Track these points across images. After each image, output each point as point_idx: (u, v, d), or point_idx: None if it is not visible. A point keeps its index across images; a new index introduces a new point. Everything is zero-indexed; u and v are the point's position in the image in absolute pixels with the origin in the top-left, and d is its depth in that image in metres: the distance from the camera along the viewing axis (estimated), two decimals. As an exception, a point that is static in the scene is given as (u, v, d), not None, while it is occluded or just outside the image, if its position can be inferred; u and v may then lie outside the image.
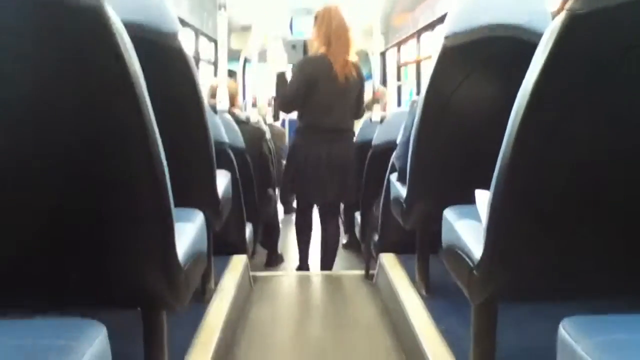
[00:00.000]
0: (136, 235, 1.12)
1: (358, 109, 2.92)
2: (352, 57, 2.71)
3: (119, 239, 1.12)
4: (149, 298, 1.24)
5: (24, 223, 1.05)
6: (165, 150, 1.09)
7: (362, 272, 3.09)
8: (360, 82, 2.82)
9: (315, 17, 2.79)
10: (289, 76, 2.88)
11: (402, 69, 6.81)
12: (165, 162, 1.07)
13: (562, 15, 0.91)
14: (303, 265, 3.19)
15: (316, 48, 2.74)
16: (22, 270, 1.11)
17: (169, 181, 1.09)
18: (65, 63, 0.93)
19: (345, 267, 3.42)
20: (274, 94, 4.44)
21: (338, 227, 3.07)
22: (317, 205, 3.06)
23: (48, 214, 1.06)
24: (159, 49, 1.47)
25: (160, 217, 1.11)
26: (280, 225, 4.06)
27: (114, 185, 1.06)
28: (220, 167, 2.17)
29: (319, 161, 2.79)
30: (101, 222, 1.09)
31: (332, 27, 2.64)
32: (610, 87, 0.94)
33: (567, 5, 0.90)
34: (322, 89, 2.68)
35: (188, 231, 1.37)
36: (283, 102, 2.88)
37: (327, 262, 3.11)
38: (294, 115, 3.02)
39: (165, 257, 1.16)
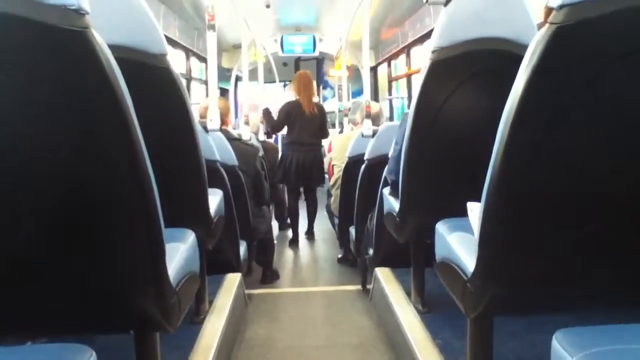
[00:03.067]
0: (126, 257, 1.11)
1: (322, 131, 4.65)
2: (314, 100, 4.66)
3: (109, 261, 1.11)
4: (140, 320, 1.22)
5: (10, 248, 1.04)
6: (156, 170, 1.08)
7: (359, 286, 3.08)
8: (320, 114, 4.59)
9: (295, 77, 4.69)
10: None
11: (394, 83, 6.86)
12: (154, 183, 1.07)
13: (546, 28, 0.91)
14: (295, 238, 4.77)
15: (294, 95, 4.59)
16: (12, 296, 1.10)
17: (158, 202, 1.09)
18: (51, 86, 0.93)
19: (341, 282, 3.41)
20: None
21: (315, 200, 4.84)
22: (301, 187, 4.80)
23: (36, 237, 1.05)
24: (147, 70, 1.47)
25: (151, 238, 1.10)
26: (275, 241, 4.04)
27: (103, 207, 1.05)
28: (212, 185, 2.17)
29: (299, 162, 4.51)
30: (90, 245, 1.08)
31: (301, 84, 4.52)
32: (596, 97, 0.95)
33: (551, 18, 0.91)
34: (297, 120, 4.49)
35: (179, 251, 1.36)
36: (272, 127, 4.74)
37: (311, 221, 4.91)
38: (283, 132, 4.78)
39: (157, 278, 1.15)
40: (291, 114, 4.47)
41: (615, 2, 0.87)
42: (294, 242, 4.73)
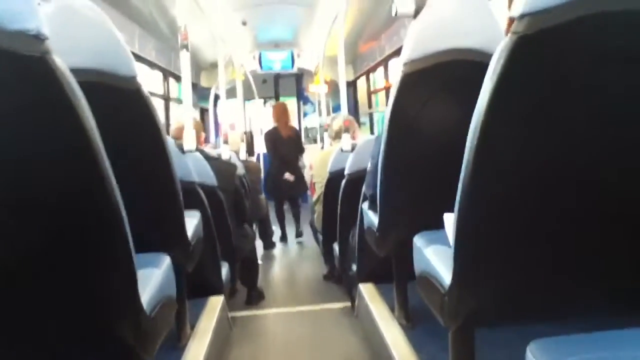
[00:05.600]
0: (96, 285, 1.09)
1: (298, 149, 5.79)
2: (289, 123, 5.90)
3: (78, 290, 1.08)
4: (115, 349, 1.19)
5: None
6: (129, 195, 1.06)
7: (344, 304, 3.06)
8: (295, 136, 5.89)
9: (272, 107, 6.11)
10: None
11: (373, 96, 6.89)
12: (123, 209, 1.04)
13: (508, 38, 0.91)
14: (284, 236, 5.79)
15: (273, 122, 5.76)
16: None
17: (128, 228, 1.06)
18: (12, 113, 0.90)
19: (327, 299, 3.37)
20: (246, 129, 4.95)
21: (299, 207, 5.80)
22: (286, 199, 5.75)
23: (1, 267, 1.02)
24: (117, 92, 1.45)
25: (121, 265, 1.07)
26: (260, 261, 4.00)
27: (69, 235, 1.02)
28: (190, 207, 2.14)
29: (282, 177, 5.52)
30: (57, 274, 1.05)
31: (279, 114, 5.73)
32: (560, 105, 0.95)
33: (512, 28, 0.91)
34: (277, 143, 5.60)
35: (153, 277, 1.33)
36: (270, 155, 5.79)
37: (298, 225, 5.77)
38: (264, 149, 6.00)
39: (129, 306, 1.12)
40: (273, 139, 5.64)
41: (577, 10, 0.87)
42: (284, 239, 5.76)
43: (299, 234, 5.74)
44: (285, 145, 5.61)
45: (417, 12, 1.62)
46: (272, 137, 5.67)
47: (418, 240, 1.48)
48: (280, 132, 5.64)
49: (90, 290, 1.09)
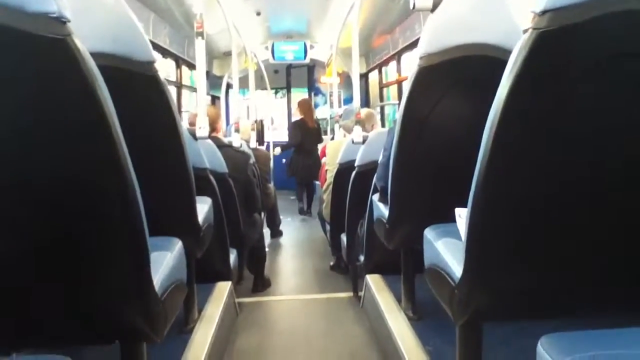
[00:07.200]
0: (110, 266, 1.10)
1: (318, 139, 6.70)
2: (314, 117, 6.87)
3: (92, 271, 1.10)
4: (126, 330, 1.21)
5: None
6: (143, 178, 1.07)
7: (350, 294, 3.07)
8: (318, 127, 6.77)
9: (298, 103, 6.96)
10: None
11: (385, 89, 6.87)
12: (139, 192, 1.06)
13: (529, 34, 0.92)
14: (305, 209, 6.66)
15: (299, 114, 6.68)
16: None
17: (143, 211, 1.08)
18: (33, 94, 0.92)
19: (333, 289, 3.39)
20: (257, 118, 4.97)
21: (314, 188, 6.48)
22: (303, 182, 6.61)
23: (18, 247, 1.03)
24: (134, 77, 1.46)
25: (135, 247, 1.09)
26: (267, 249, 4.02)
27: (86, 217, 1.04)
28: (202, 193, 2.15)
29: (304, 163, 6.44)
30: (73, 255, 1.07)
31: (305, 108, 6.66)
32: (578, 101, 0.95)
33: (533, 24, 0.91)
34: (302, 133, 6.49)
35: (165, 260, 1.35)
36: (291, 143, 6.77)
37: (309, 202, 6.65)
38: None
39: (141, 288, 1.14)
40: (301, 128, 6.53)
41: (598, 7, 0.87)
42: (305, 212, 6.62)
43: (308, 212, 6.56)
44: (309, 135, 6.51)
45: (435, 6, 1.62)
46: (301, 127, 6.57)
47: (429, 233, 1.48)
48: (307, 124, 6.54)
49: (103, 271, 1.11)
